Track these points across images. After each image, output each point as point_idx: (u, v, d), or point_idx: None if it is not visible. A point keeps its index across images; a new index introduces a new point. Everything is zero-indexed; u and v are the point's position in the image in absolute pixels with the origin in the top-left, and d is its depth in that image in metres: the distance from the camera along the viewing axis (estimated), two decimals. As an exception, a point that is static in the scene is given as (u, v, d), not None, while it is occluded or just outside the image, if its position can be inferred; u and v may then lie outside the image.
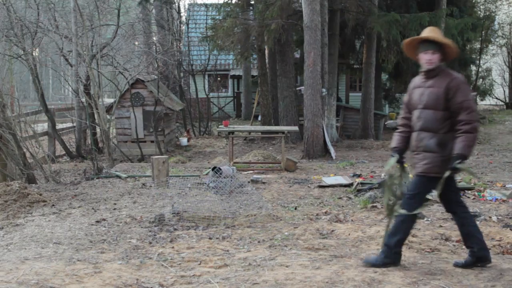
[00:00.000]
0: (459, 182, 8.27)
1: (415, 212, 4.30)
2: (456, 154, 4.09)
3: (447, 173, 4.15)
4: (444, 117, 4.22)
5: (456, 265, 4.39)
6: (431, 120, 4.25)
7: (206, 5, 24.24)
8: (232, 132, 11.65)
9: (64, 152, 14.62)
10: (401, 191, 4.39)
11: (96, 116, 12.76)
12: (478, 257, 4.33)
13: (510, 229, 5.55)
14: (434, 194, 4.46)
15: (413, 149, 4.38)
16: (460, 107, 4.17)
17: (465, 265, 4.36)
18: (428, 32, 4.41)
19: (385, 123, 19.62)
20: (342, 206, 7.06)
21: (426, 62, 4.36)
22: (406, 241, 5.05)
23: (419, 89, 4.42)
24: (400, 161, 4.46)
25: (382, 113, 18.95)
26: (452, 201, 4.38)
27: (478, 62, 22.98)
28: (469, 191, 7.68)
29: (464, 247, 5.03)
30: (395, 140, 4.54)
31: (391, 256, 4.35)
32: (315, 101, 12.76)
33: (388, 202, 4.44)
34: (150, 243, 5.28)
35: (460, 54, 18.94)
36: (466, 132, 4.12)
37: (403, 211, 4.29)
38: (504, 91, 28.24)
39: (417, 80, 4.51)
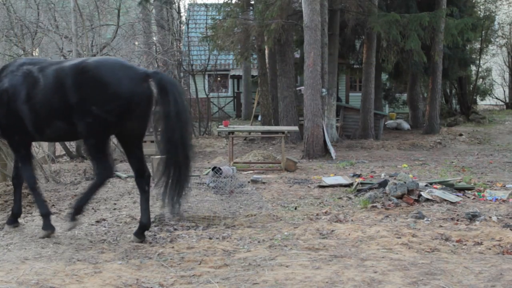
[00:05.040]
0: (459, 182, 8.27)
1: None
2: None
3: None
4: None
5: None
6: None
7: (206, 5, 24.24)
8: (232, 132, 11.65)
9: (64, 152, 14.62)
10: None
11: (96, 116, 12.74)
12: None
13: (510, 229, 5.55)
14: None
15: None
16: None
17: None
18: None
19: (385, 123, 19.63)
20: (342, 206, 7.06)
21: None
22: (406, 241, 5.07)
23: None
24: None
25: (382, 113, 18.95)
26: None
27: (478, 62, 22.96)
28: (469, 191, 7.68)
29: (464, 247, 5.04)
30: None
31: None
32: (315, 101, 12.76)
33: None
34: (150, 243, 5.28)
35: (460, 54, 19.00)
36: None
37: None
38: (504, 91, 28.24)
39: None
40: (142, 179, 5.37)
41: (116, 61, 5.24)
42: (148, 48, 17.84)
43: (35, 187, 5.53)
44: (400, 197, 7.04)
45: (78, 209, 5.21)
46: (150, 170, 9.27)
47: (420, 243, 5.07)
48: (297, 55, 19.62)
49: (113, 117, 4.96)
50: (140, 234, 5.32)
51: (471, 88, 23.51)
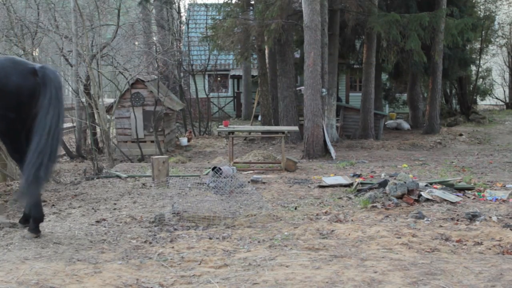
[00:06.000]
0: (459, 182, 8.27)
1: None
2: None
3: None
4: None
5: None
6: None
7: (206, 5, 24.28)
8: (232, 132, 11.65)
9: (64, 152, 14.63)
10: None
11: (96, 116, 12.78)
12: None
13: (510, 229, 5.55)
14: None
15: None
16: None
17: None
18: None
19: (385, 123, 19.63)
20: (342, 206, 7.06)
21: None
22: (406, 241, 5.07)
23: None
24: None
25: (382, 113, 18.96)
26: None
27: (478, 62, 22.97)
28: (469, 191, 7.67)
29: (464, 247, 5.04)
30: None
31: None
32: (315, 101, 12.76)
33: None
34: (150, 243, 5.28)
35: (460, 54, 19.01)
36: None
37: None
38: (504, 91, 28.25)
39: None
40: None
41: (6, 58, 5.36)
42: (148, 48, 17.85)
43: None
44: (400, 197, 7.04)
45: (38, 219, 5.40)
46: (150, 170, 9.30)
47: (420, 243, 5.07)
48: (297, 55, 19.62)
49: (11, 113, 5.07)
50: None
51: (471, 88, 23.51)
